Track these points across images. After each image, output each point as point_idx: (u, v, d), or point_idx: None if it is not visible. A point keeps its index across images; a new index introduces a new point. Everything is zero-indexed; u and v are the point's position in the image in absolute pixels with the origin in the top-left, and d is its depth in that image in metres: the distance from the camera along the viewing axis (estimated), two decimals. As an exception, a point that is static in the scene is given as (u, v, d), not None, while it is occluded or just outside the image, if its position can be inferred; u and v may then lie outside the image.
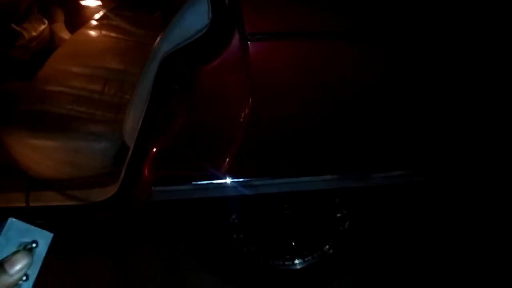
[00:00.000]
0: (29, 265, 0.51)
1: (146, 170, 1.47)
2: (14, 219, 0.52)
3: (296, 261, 1.89)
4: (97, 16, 2.59)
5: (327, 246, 1.88)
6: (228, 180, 1.44)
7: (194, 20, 1.32)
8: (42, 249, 0.53)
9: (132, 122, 1.49)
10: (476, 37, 1.39)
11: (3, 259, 0.50)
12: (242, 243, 1.79)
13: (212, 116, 1.42)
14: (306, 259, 1.89)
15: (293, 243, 1.88)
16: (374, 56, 1.37)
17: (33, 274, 0.52)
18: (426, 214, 1.78)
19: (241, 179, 1.44)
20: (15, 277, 0.50)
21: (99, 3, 2.76)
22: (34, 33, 2.43)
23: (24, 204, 1.62)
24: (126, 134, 1.53)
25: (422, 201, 1.64)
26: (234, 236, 1.77)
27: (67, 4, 2.74)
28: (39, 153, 1.62)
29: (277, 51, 1.34)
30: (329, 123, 1.44)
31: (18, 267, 0.49)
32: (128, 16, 2.53)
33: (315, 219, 1.84)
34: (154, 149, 1.45)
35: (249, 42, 1.29)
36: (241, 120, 1.39)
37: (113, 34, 2.38)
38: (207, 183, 1.44)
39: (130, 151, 1.51)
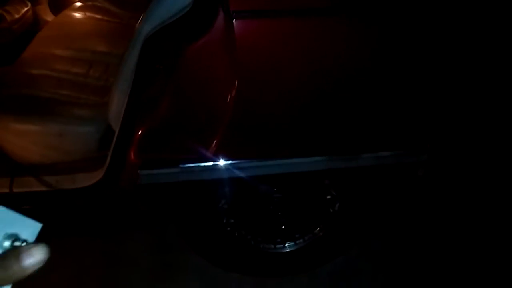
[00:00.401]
0: (45, 260, 0.46)
1: (132, 154, 1.45)
2: (3, 208, 0.49)
3: (287, 244, 1.88)
4: (81, -3, 2.52)
5: (318, 229, 1.87)
6: (215, 163, 1.41)
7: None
8: (30, 240, 0.50)
9: (117, 104, 1.46)
10: (468, 12, 1.37)
11: (19, 248, 0.46)
12: (233, 228, 1.78)
13: (198, 97, 1.39)
14: (297, 242, 1.88)
15: (283, 227, 1.86)
16: (363, 33, 1.35)
17: None
18: (416, 195, 1.76)
19: (228, 162, 1.42)
20: (30, 270, 0.45)
21: (84, -16, 2.69)
22: (16, 16, 2.37)
23: (7, 190, 1.59)
24: (111, 117, 1.50)
25: (411, 182, 1.62)
26: (225, 220, 1.75)
27: (50, -15, 2.66)
28: (23, 138, 1.59)
29: (264, 29, 1.31)
30: (318, 103, 1.42)
31: (34, 259, 0.45)
32: (115, -2, 2.47)
33: (305, 202, 1.82)
34: (140, 132, 1.42)
35: (234, 20, 1.26)
36: (228, 100, 1.36)
37: (98, 16, 2.32)
38: (194, 166, 1.42)
39: (116, 135, 1.47)
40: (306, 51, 1.34)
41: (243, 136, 1.43)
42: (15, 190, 1.60)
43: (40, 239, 0.51)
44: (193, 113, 1.41)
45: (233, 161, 1.42)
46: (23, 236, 0.50)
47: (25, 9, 2.46)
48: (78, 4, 2.43)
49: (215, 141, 1.39)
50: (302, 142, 1.46)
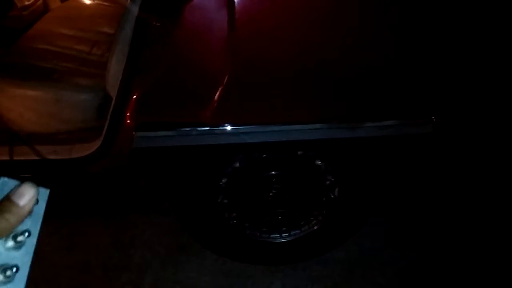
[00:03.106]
0: (36, 194, 0.48)
1: (128, 117, 1.42)
2: (6, 178, 0.48)
3: (277, 235, 1.82)
4: (91, -14, 2.56)
5: (320, 217, 1.80)
6: (212, 127, 1.38)
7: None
8: (40, 206, 0.50)
9: (114, 70, 1.45)
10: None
11: (8, 193, 0.47)
12: (225, 209, 1.72)
13: (195, 58, 1.36)
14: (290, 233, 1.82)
15: (279, 217, 1.80)
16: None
17: (35, 230, 0.49)
18: (422, 173, 1.69)
19: (225, 127, 1.38)
20: (27, 208, 0.47)
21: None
22: (26, 2, 2.40)
23: (8, 158, 1.58)
24: (108, 83, 1.49)
25: (415, 158, 1.55)
26: (219, 200, 1.69)
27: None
28: (21, 105, 1.58)
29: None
30: (318, 68, 1.38)
31: (27, 197, 0.47)
32: (122, -12, 2.49)
33: (304, 191, 1.75)
34: (136, 95, 1.40)
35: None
36: (226, 63, 1.34)
37: (105, 3, 2.35)
38: (190, 129, 1.39)
39: (113, 101, 1.46)
40: (306, 10, 1.31)
41: (240, 100, 1.39)
42: (15, 158, 1.58)
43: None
44: (190, 74, 1.38)
45: (229, 126, 1.38)
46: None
47: (36, -4, 2.50)
48: (88, -9, 2.47)
49: (212, 104, 1.36)
50: (301, 107, 1.42)
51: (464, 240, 1.96)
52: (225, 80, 1.34)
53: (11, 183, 0.48)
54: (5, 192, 0.47)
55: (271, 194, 1.73)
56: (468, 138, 1.49)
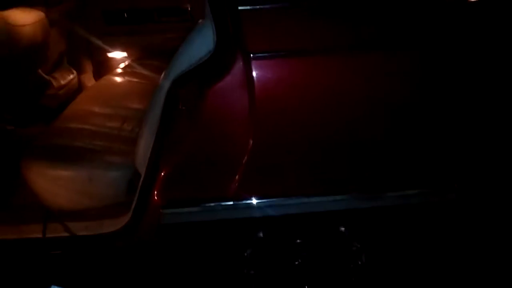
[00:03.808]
0: None
1: (155, 195, 1.48)
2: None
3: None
4: (122, 65, 2.73)
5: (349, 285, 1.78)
6: (236, 202, 1.42)
7: (200, 46, 1.38)
8: None
9: (143, 148, 1.52)
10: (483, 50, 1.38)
11: None
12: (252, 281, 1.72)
13: (218, 137, 1.43)
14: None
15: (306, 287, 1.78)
16: (385, 68, 1.36)
17: None
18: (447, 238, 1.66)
19: (248, 201, 1.42)
20: None
21: (125, 54, 2.92)
22: (62, 82, 2.58)
23: (40, 235, 1.65)
24: (138, 161, 1.56)
25: (438, 223, 1.54)
26: (245, 271, 1.70)
27: (95, 56, 2.91)
28: (56, 184, 1.66)
29: (282, 68, 1.36)
30: (338, 142, 1.42)
31: None
32: (153, 65, 2.65)
33: (331, 257, 1.74)
34: (163, 173, 1.46)
35: (252, 61, 1.32)
36: (248, 140, 1.40)
37: (135, 80, 2.50)
38: (215, 205, 1.43)
39: (142, 178, 1.52)
40: (325, 88, 1.37)
41: (262, 175, 1.44)
42: (47, 235, 1.65)
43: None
44: (214, 152, 1.44)
45: (253, 200, 1.42)
46: None
47: (71, 76, 2.69)
48: (119, 70, 2.63)
49: (235, 180, 1.41)
50: (323, 180, 1.45)
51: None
52: (247, 157, 1.40)
53: None
54: None
55: (297, 263, 1.73)
56: (491, 206, 1.48)
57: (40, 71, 2.40)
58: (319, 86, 1.38)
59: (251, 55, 1.32)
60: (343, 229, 1.63)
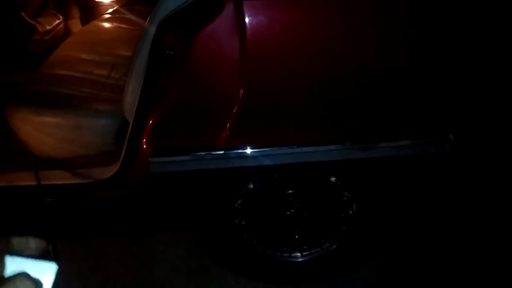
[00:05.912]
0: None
1: (144, 143, 1.44)
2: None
3: (298, 254, 1.81)
4: (110, 10, 2.62)
5: (340, 234, 1.78)
6: (226, 151, 1.39)
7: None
8: (48, 279, 0.52)
9: (131, 95, 1.47)
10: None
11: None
12: (243, 230, 1.72)
13: (208, 84, 1.38)
14: (311, 251, 1.81)
15: (296, 236, 1.79)
16: (380, 14, 1.30)
17: None
18: (440, 192, 1.66)
19: (239, 150, 1.39)
20: None
21: (113, -1, 2.81)
22: (48, 27, 2.48)
23: (29, 183, 1.62)
24: (125, 108, 1.51)
25: (432, 177, 1.53)
26: (236, 221, 1.69)
27: (82, 1, 2.79)
28: (42, 131, 1.62)
29: (276, 10, 1.29)
30: (331, 90, 1.38)
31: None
32: (141, 11, 2.54)
33: (322, 208, 1.74)
34: (152, 121, 1.42)
35: (244, 2, 1.25)
36: (238, 87, 1.35)
37: (124, 26, 2.40)
38: (205, 154, 1.40)
39: (130, 126, 1.48)
40: (320, 33, 1.31)
41: (254, 124, 1.40)
42: (42, 182, 1.62)
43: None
44: (203, 99, 1.40)
45: (243, 149, 1.39)
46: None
47: (57, 21, 2.58)
48: (106, 16, 2.53)
49: (226, 128, 1.37)
50: (315, 129, 1.42)
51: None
52: (238, 104, 1.35)
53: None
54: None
55: (288, 213, 1.73)
56: (486, 157, 1.46)
57: (23, 14, 2.29)
58: (314, 31, 1.32)
59: (243, -4, 1.25)
60: (334, 179, 1.62)
